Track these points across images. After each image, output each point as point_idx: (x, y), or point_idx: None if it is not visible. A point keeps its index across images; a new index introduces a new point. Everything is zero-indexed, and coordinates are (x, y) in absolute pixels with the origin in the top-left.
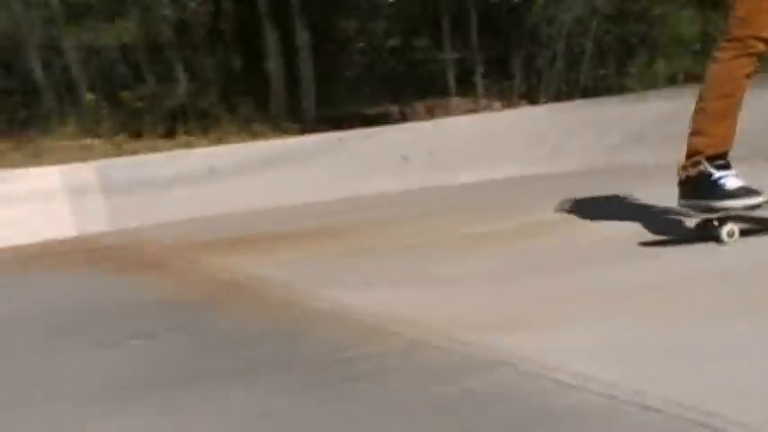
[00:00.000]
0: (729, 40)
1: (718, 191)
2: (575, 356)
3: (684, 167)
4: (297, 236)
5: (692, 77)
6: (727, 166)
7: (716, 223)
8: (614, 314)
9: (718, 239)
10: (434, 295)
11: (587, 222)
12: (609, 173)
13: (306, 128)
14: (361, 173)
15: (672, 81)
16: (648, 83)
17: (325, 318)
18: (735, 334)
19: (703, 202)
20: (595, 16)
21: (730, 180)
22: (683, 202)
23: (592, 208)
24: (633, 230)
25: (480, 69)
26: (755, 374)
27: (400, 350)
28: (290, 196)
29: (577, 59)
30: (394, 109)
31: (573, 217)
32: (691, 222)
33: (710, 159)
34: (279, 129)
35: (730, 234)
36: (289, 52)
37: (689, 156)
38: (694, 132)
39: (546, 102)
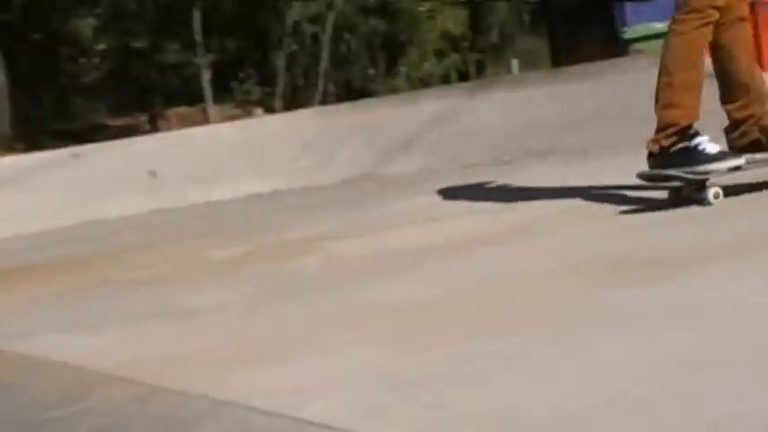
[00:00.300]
0: (688, 12)
1: (702, 156)
2: (320, 393)
3: (657, 140)
4: (15, 272)
5: (464, 76)
6: (699, 134)
7: (698, 187)
8: (369, 340)
9: (703, 202)
10: (176, 331)
11: (352, 238)
12: (377, 181)
13: (34, 144)
14: (101, 193)
15: (445, 80)
16: (419, 82)
17: (41, 367)
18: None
19: (688, 169)
20: (361, 13)
21: (709, 145)
22: (657, 171)
23: (357, 222)
24: (393, 245)
25: (240, 73)
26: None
27: (131, 400)
28: (13, 225)
29: (345, 59)
30: (143, 119)
31: (338, 232)
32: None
33: (685, 129)
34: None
35: (716, 196)
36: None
37: (662, 128)
38: (665, 106)
39: (312, 106)
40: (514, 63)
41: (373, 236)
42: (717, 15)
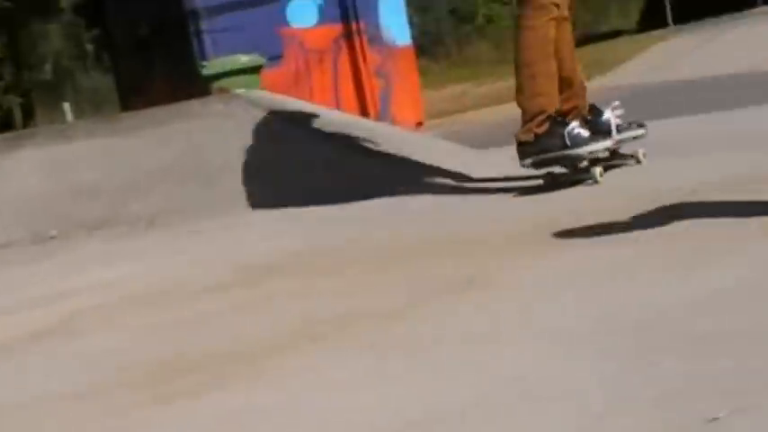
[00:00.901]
0: (534, 9)
1: (580, 139)
2: None
3: (529, 129)
4: None
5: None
6: (567, 120)
7: (581, 167)
8: None
9: (592, 181)
10: None
11: None
12: None
13: None
14: None
15: None
16: None
17: None
18: None
19: (568, 152)
20: None
21: (582, 129)
22: (532, 159)
23: None
24: None
25: None
26: None
27: None
28: None
29: None
30: None
31: None
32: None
33: (554, 116)
34: None
35: (601, 174)
36: None
37: (531, 118)
38: (532, 96)
39: None
40: (66, 107)
41: None
42: (557, 11)
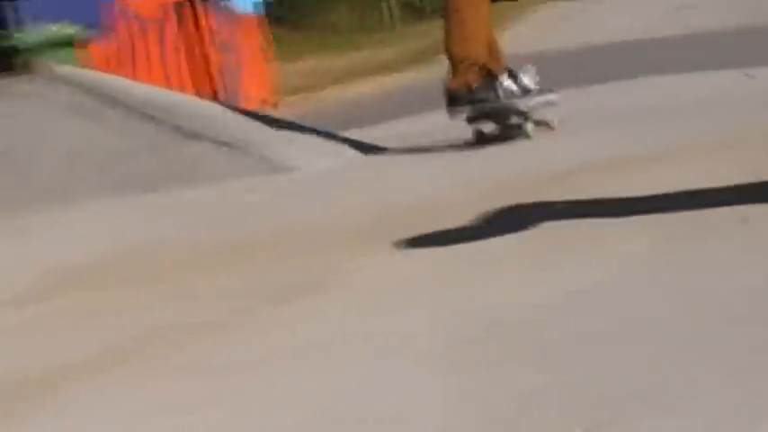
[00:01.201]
0: None
1: (514, 92)
2: None
3: (460, 79)
4: None
5: None
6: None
7: (514, 123)
8: None
9: (525, 136)
10: None
11: None
12: None
13: None
14: None
15: None
16: None
17: None
18: None
19: (506, 103)
20: None
21: (512, 84)
22: (466, 111)
23: None
24: None
25: None
26: None
27: None
28: None
29: None
30: None
31: None
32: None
33: (487, 68)
34: None
35: (533, 130)
36: None
37: (460, 61)
38: (460, 40)
39: None
40: None
41: None
42: None
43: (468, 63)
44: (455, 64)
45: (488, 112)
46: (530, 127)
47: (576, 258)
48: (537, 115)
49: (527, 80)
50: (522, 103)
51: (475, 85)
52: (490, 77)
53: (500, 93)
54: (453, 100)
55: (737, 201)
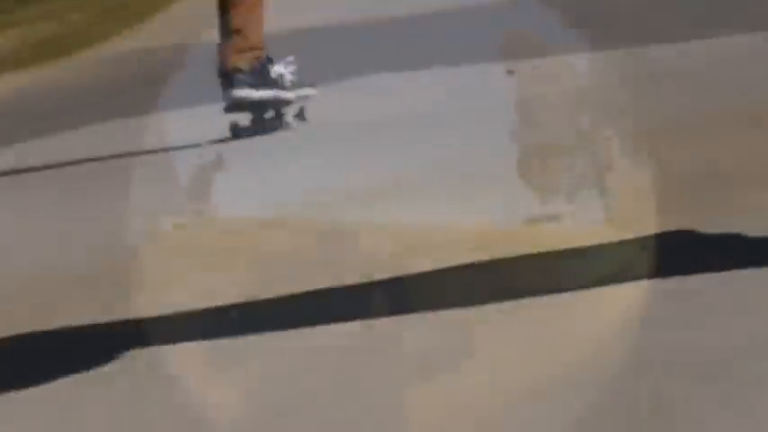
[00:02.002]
0: None
1: (284, 82)
2: None
3: (245, 56)
4: None
5: None
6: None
7: (282, 113)
8: None
9: (288, 127)
10: None
11: None
12: None
13: None
14: None
15: None
16: None
17: None
18: None
19: (278, 92)
20: None
21: (278, 72)
22: (245, 91)
23: None
24: None
25: None
26: None
27: None
28: None
29: None
30: None
31: None
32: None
33: (262, 52)
34: None
35: (294, 122)
36: None
37: (244, 48)
38: (242, 24)
39: None
40: None
41: None
42: None
43: (254, 53)
44: (238, 46)
45: (254, 101)
46: (291, 118)
47: None
48: (294, 109)
49: (284, 71)
50: (285, 94)
51: (258, 67)
52: (269, 63)
53: (281, 82)
54: (234, 76)
55: None
